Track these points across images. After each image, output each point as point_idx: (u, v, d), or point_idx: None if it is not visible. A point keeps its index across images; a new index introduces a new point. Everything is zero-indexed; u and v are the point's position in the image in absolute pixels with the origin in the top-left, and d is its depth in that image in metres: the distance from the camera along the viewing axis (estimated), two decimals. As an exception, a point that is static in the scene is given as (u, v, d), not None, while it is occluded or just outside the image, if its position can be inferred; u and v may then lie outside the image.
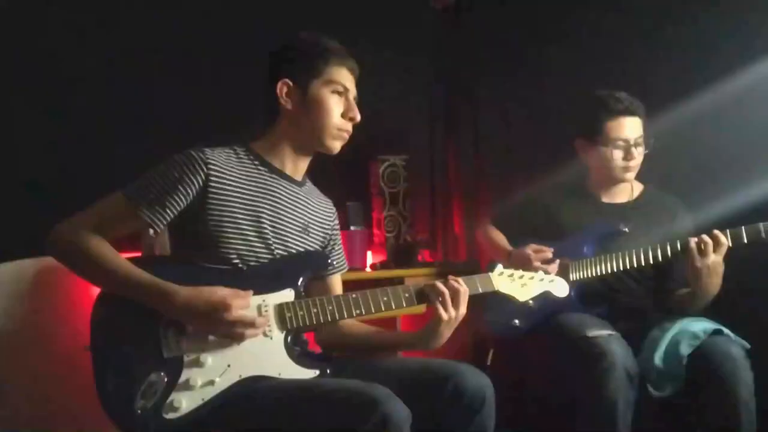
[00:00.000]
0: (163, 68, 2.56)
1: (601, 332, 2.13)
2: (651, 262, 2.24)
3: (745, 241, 2.14)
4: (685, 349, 2.10)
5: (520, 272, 1.88)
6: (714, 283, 2.17)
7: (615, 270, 2.28)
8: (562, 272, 2.24)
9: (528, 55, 3.17)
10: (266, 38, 2.71)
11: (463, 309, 1.74)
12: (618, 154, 2.35)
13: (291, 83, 1.80)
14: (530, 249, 2.29)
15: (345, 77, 1.82)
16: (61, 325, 1.91)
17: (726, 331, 2.15)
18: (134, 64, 2.51)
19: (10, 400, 1.84)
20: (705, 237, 2.14)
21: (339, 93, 1.80)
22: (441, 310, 1.72)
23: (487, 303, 1.79)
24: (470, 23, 3.25)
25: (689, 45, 2.66)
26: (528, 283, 1.87)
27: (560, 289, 1.92)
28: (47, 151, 2.34)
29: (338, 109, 1.80)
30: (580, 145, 2.47)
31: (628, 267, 2.26)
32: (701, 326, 2.14)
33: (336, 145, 1.83)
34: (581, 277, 2.30)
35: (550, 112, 3.03)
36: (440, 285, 1.74)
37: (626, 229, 2.33)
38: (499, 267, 1.87)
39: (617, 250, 2.28)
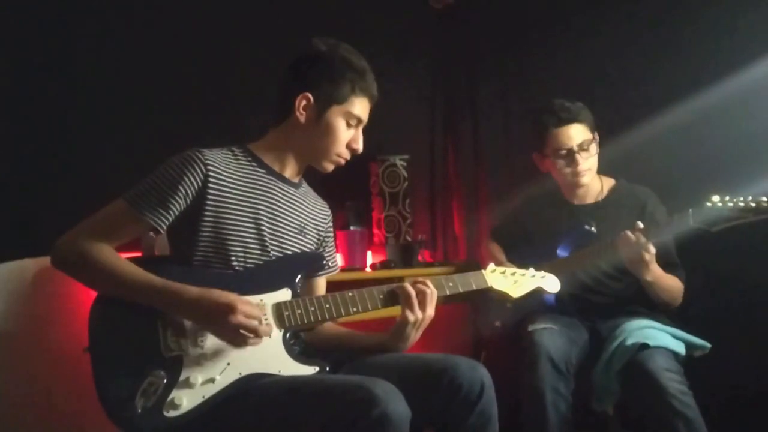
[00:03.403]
0: (161, 70, 2.56)
1: (537, 326, 2.18)
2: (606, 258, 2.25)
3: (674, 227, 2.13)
4: (616, 365, 2.13)
5: (513, 269, 1.90)
6: (644, 272, 2.16)
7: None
8: None
9: (528, 55, 3.17)
10: (265, 39, 2.74)
11: (430, 311, 1.74)
12: (561, 164, 2.40)
13: (311, 99, 1.80)
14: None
15: (364, 109, 1.83)
16: (62, 324, 1.91)
17: (656, 343, 2.11)
18: (133, 66, 2.51)
19: (9, 400, 1.84)
20: (627, 231, 2.14)
21: (352, 124, 1.82)
22: (407, 312, 1.73)
23: (478, 307, 1.81)
24: (470, 23, 3.25)
25: (689, 44, 2.66)
26: (519, 279, 1.89)
27: (551, 284, 1.93)
28: (47, 151, 2.34)
29: (346, 138, 1.82)
30: (537, 159, 2.54)
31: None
32: (634, 340, 2.12)
33: (329, 168, 1.86)
34: None
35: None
36: (408, 287, 1.74)
37: (593, 229, 2.36)
38: (492, 265, 1.89)
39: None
